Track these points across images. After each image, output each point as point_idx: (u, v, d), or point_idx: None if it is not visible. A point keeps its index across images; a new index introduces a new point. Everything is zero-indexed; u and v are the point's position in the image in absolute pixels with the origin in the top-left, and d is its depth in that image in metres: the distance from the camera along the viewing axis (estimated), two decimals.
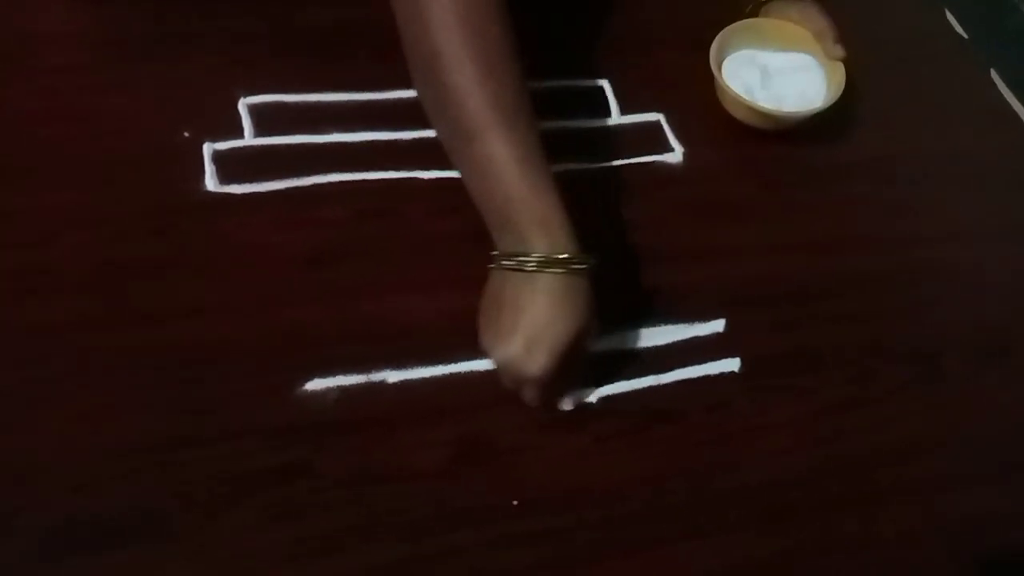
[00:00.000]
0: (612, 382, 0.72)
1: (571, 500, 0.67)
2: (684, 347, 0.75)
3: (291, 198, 0.78)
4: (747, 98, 0.86)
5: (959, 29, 1.04)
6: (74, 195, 0.76)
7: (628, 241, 0.80)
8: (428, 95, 0.68)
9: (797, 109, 0.87)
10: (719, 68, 0.88)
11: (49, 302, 0.70)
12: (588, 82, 0.91)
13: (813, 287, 0.81)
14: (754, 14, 0.93)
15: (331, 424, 0.67)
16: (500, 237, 0.66)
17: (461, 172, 0.68)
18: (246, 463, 0.65)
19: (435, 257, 0.77)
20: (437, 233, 0.78)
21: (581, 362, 0.68)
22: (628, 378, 0.73)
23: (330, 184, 0.79)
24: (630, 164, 0.86)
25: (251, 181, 0.78)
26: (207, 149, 0.79)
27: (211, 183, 0.77)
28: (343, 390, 0.69)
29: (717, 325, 0.77)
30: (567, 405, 0.70)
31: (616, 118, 0.89)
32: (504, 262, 0.65)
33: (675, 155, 0.87)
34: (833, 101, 0.87)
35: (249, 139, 0.81)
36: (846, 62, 0.88)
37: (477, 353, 0.71)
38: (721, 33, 0.89)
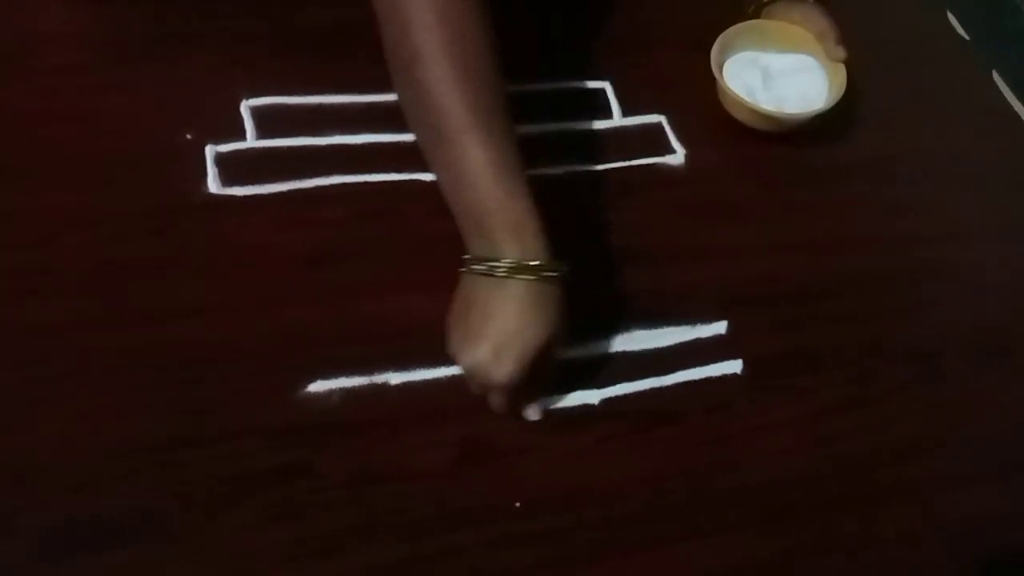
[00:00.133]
0: (614, 384, 0.72)
1: (572, 500, 0.67)
2: (686, 349, 0.75)
3: (292, 199, 0.78)
4: (748, 100, 0.86)
5: (960, 30, 1.04)
6: (74, 195, 0.76)
7: (630, 242, 0.80)
8: (406, 96, 0.68)
9: (798, 111, 0.87)
10: (720, 70, 0.88)
11: (49, 302, 0.70)
12: (590, 83, 0.91)
13: (813, 287, 0.81)
14: (756, 15, 0.93)
15: (332, 425, 0.67)
16: (472, 241, 0.65)
17: (436, 174, 0.67)
18: (246, 463, 0.65)
19: (436, 258, 0.76)
20: (438, 234, 0.77)
21: (549, 370, 0.67)
22: (630, 380, 0.73)
23: (331, 186, 0.79)
24: (632, 166, 0.86)
25: (253, 183, 0.78)
26: (209, 151, 0.79)
27: (213, 185, 0.77)
28: (346, 391, 0.69)
29: (719, 327, 0.77)
30: (534, 414, 0.70)
31: (618, 119, 0.89)
32: (475, 267, 0.64)
33: (677, 156, 0.87)
34: (834, 102, 0.87)
35: (251, 141, 0.81)
36: (847, 63, 0.88)
37: None
38: (723, 35, 0.89)
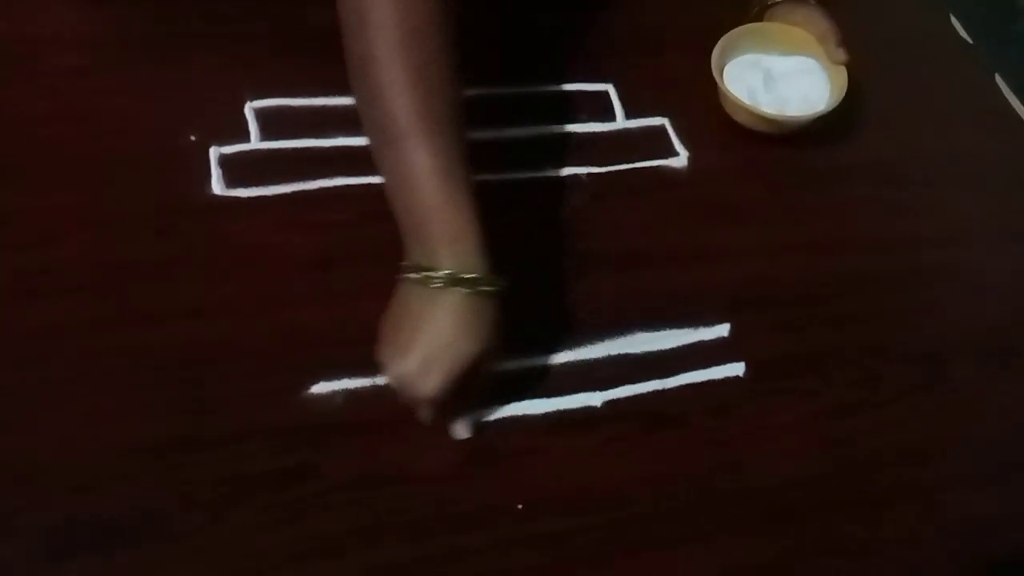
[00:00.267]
0: (617, 386, 0.72)
1: (574, 502, 0.67)
2: (689, 351, 0.75)
3: (296, 201, 0.78)
4: (749, 103, 0.86)
5: (963, 33, 1.04)
6: (75, 196, 0.75)
7: (632, 244, 0.81)
8: (359, 95, 0.66)
9: (800, 113, 0.87)
10: (721, 73, 0.88)
11: (49, 303, 0.70)
12: (593, 86, 0.91)
13: (815, 289, 0.81)
14: (759, 17, 0.93)
15: (334, 426, 0.67)
16: (411, 248, 0.64)
17: (382, 176, 0.65)
18: (247, 464, 0.65)
19: None
20: None
21: (479, 387, 0.66)
22: (633, 382, 0.73)
23: (335, 187, 0.79)
24: (635, 168, 0.86)
25: (257, 184, 0.78)
26: (213, 152, 0.79)
27: (217, 186, 0.77)
28: (348, 392, 0.69)
29: (722, 330, 0.77)
30: (462, 432, 0.68)
31: (621, 122, 0.89)
32: (411, 275, 0.63)
33: (680, 159, 0.87)
34: (836, 104, 0.87)
35: (255, 143, 0.81)
36: (849, 65, 0.88)
37: None
38: (724, 37, 0.89)
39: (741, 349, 0.76)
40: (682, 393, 0.73)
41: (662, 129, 0.89)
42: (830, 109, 0.87)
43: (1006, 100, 0.98)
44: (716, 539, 0.67)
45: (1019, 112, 0.97)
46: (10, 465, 0.63)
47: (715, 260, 0.81)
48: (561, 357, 0.73)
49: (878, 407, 0.75)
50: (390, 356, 0.63)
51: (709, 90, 0.89)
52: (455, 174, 0.63)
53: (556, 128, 0.87)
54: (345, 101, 0.84)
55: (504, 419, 0.70)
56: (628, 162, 0.86)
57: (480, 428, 0.69)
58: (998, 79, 0.99)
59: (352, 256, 0.75)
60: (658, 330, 0.76)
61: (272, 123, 0.82)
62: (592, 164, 0.85)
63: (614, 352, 0.74)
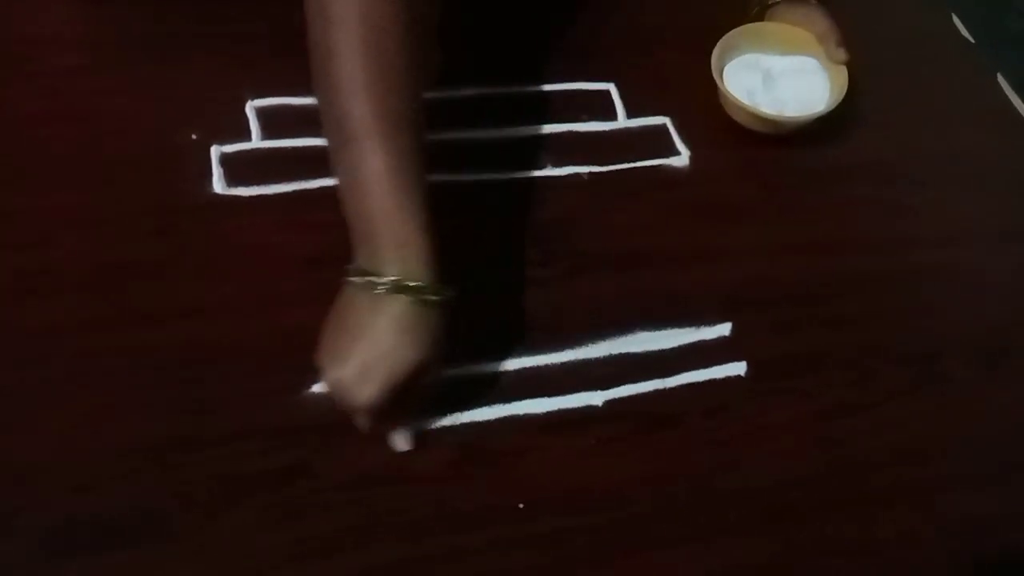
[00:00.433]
0: (618, 385, 0.72)
1: (573, 502, 0.67)
2: (690, 351, 0.75)
3: (297, 200, 0.78)
4: (748, 103, 0.86)
5: (965, 33, 1.04)
6: (74, 196, 0.75)
7: (632, 244, 0.81)
8: (318, 92, 0.64)
9: (799, 113, 0.87)
10: (720, 74, 0.88)
11: (49, 302, 0.70)
12: (594, 85, 0.91)
13: (814, 289, 0.81)
14: (760, 17, 0.93)
15: (332, 426, 0.67)
16: (358, 251, 0.62)
17: (336, 176, 0.64)
18: (246, 464, 0.65)
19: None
20: (441, 235, 0.78)
21: (418, 398, 0.65)
22: (634, 381, 0.73)
23: (335, 186, 0.79)
24: (636, 167, 0.86)
25: (258, 183, 0.78)
26: (214, 151, 0.79)
27: (218, 185, 0.77)
28: None
29: (723, 329, 0.77)
30: (401, 444, 0.67)
31: (622, 121, 0.89)
32: (355, 278, 0.61)
33: (681, 158, 0.87)
34: (836, 104, 0.87)
35: (256, 142, 0.81)
36: (849, 65, 0.88)
37: (480, 355, 0.71)
38: (723, 38, 0.89)
39: (740, 348, 0.76)
40: (682, 393, 0.73)
41: (663, 128, 0.89)
42: (830, 109, 0.87)
43: (1006, 100, 0.98)
44: (715, 539, 0.67)
45: (1020, 111, 0.97)
46: (10, 465, 0.63)
47: (714, 260, 0.81)
48: (561, 356, 0.73)
49: (877, 407, 0.75)
50: (328, 361, 0.61)
51: (709, 90, 0.89)
52: (407, 178, 0.61)
53: (557, 127, 0.87)
54: None
55: (504, 419, 0.70)
56: (629, 161, 0.86)
57: (480, 428, 0.69)
58: (1000, 79, 0.99)
59: (350, 255, 0.75)
60: (659, 329, 0.76)
61: (273, 122, 0.82)
62: (593, 163, 0.85)
63: (615, 351, 0.74)
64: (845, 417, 0.74)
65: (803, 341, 0.78)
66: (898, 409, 0.75)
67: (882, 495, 0.71)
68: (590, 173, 0.84)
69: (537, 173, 0.83)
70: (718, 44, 0.89)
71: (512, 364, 0.72)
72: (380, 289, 0.60)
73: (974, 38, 1.03)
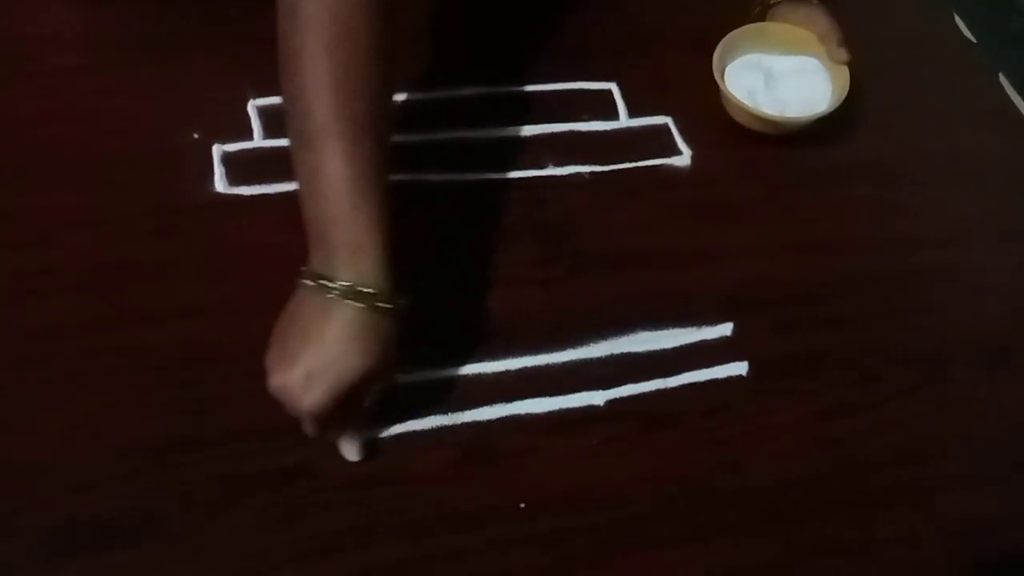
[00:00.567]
0: (619, 385, 0.72)
1: (573, 502, 0.67)
2: (692, 351, 0.75)
3: (297, 200, 0.78)
4: (750, 104, 0.86)
5: (967, 33, 1.04)
6: (75, 195, 0.76)
7: (633, 244, 0.81)
8: (284, 91, 0.64)
9: (800, 114, 0.87)
10: (722, 74, 0.88)
11: (49, 302, 0.70)
12: (596, 84, 0.90)
13: (815, 289, 0.81)
14: (761, 17, 0.92)
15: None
16: (313, 253, 0.61)
17: (296, 176, 0.63)
18: (246, 463, 0.65)
19: (438, 259, 0.77)
20: (442, 235, 0.78)
21: (366, 406, 0.64)
22: (635, 381, 0.73)
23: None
24: (638, 167, 0.86)
25: (259, 183, 0.78)
26: (216, 150, 0.79)
27: (220, 184, 0.77)
28: None
29: (725, 329, 0.77)
30: (350, 454, 0.66)
31: (624, 121, 0.89)
32: (307, 281, 0.60)
33: (683, 158, 0.87)
34: (837, 105, 0.86)
35: (258, 141, 0.80)
36: (850, 65, 0.88)
37: (480, 355, 0.71)
38: (725, 38, 0.89)
39: (741, 348, 0.76)
40: (683, 393, 0.73)
41: (665, 128, 0.89)
42: (831, 110, 0.86)
43: (1007, 100, 0.98)
44: (715, 539, 0.67)
45: (1021, 112, 0.97)
46: (10, 465, 0.63)
47: (715, 260, 0.81)
48: (563, 356, 0.73)
49: (877, 407, 0.75)
50: (275, 364, 0.60)
51: (711, 90, 0.89)
52: (368, 183, 0.60)
53: (559, 127, 0.87)
54: None
55: (505, 419, 0.70)
56: (631, 161, 0.86)
57: (481, 428, 0.69)
58: (1001, 78, 0.99)
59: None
60: (660, 329, 0.76)
61: (275, 121, 0.81)
62: (595, 163, 0.85)
63: (616, 351, 0.74)
64: (845, 417, 0.74)
65: (803, 341, 0.78)
66: (898, 409, 0.75)
67: (882, 495, 0.71)
68: (591, 173, 0.84)
69: (538, 173, 0.83)
70: (719, 44, 0.89)
71: (513, 364, 0.72)
72: (332, 294, 0.59)
73: (975, 38, 1.03)
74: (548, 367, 0.73)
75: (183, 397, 0.67)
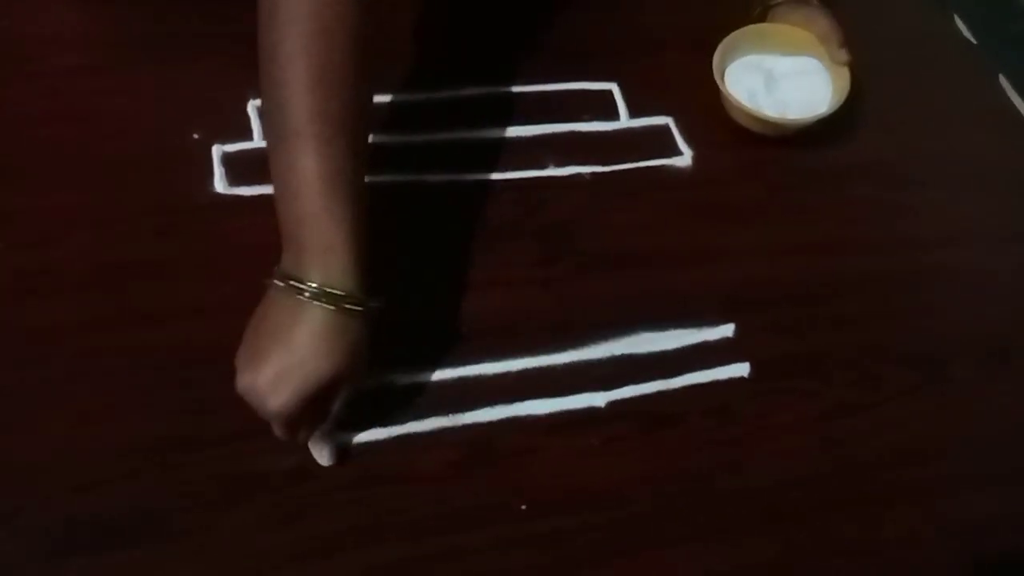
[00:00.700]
0: (620, 386, 0.72)
1: (575, 502, 0.67)
2: (693, 351, 0.75)
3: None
4: (750, 106, 0.86)
5: (967, 33, 1.04)
6: (75, 195, 0.76)
7: (636, 244, 0.80)
8: (262, 89, 0.63)
9: (801, 115, 0.87)
10: (722, 76, 0.88)
11: (49, 303, 0.70)
12: (597, 85, 0.90)
13: (815, 290, 0.81)
14: (762, 17, 0.92)
15: None
16: (285, 253, 0.61)
17: (271, 175, 0.62)
18: (247, 464, 0.65)
19: (438, 258, 0.77)
20: (443, 235, 0.78)
21: (334, 409, 0.63)
22: (636, 382, 0.73)
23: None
24: (638, 168, 0.86)
25: (259, 183, 0.78)
26: (216, 151, 0.79)
27: (220, 185, 0.77)
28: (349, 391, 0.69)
29: (727, 330, 0.77)
30: (323, 459, 0.65)
31: (625, 121, 0.89)
32: (278, 281, 0.60)
33: (684, 158, 0.87)
34: (838, 106, 0.86)
35: (258, 141, 0.80)
36: (851, 66, 0.88)
37: (481, 356, 0.71)
38: (725, 39, 0.89)
39: (743, 349, 0.76)
40: (684, 393, 0.73)
41: (666, 129, 0.89)
42: (832, 111, 0.86)
43: (1007, 100, 0.98)
44: (716, 539, 0.67)
45: (1021, 112, 0.97)
46: (10, 465, 0.63)
47: (715, 260, 0.81)
48: (564, 357, 0.73)
49: (878, 407, 0.75)
50: (243, 365, 0.60)
51: (710, 91, 0.89)
52: (341, 183, 0.60)
53: (559, 127, 0.87)
54: None
55: (506, 419, 0.70)
56: (631, 161, 0.86)
57: (482, 428, 0.69)
58: (1001, 79, 0.99)
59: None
60: (662, 330, 0.76)
61: None
62: (596, 163, 0.85)
63: (618, 352, 0.74)
64: (846, 417, 0.74)
65: (804, 341, 0.78)
66: (899, 409, 0.75)
67: (883, 495, 0.71)
68: (592, 173, 0.84)
69: (539, 173, 0.83)
70: (720, 45, 0.88)
71: (514, 364, 0.72)
72: (302, 295, 0.59)
73: (976, 39, 1.03)
74: (549, 368, 0.73)
75: (183, 397, 0.67)
